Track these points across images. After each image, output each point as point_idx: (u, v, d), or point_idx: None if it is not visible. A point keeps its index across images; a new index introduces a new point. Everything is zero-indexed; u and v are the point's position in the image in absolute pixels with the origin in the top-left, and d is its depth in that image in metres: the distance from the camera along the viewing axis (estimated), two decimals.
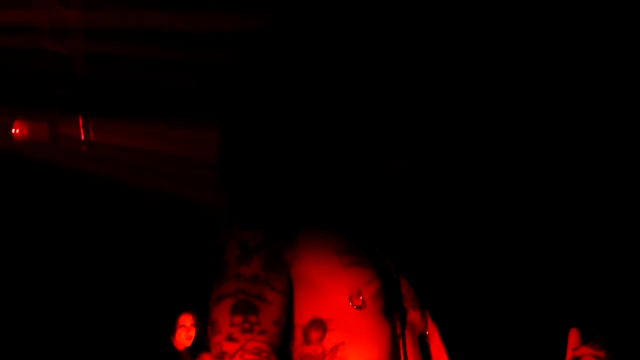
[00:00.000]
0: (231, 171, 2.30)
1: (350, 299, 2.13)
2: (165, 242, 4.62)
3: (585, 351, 2.30)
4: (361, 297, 2.13)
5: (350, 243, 2.22)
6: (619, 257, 4.02)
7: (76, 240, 4.32)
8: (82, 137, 4.65)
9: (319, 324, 2.12)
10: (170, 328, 6.41)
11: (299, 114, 2.29)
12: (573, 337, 2.36)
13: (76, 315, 4.52)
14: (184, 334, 6.50)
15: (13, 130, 5.00)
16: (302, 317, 2.13)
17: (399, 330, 2.22)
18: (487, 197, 4.38)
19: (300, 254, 2.12)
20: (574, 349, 2.33)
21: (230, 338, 2.01)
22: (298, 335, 2.13)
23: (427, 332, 2.42)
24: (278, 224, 2.14)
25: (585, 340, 2.34)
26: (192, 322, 6.49)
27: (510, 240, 4.37)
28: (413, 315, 2.33)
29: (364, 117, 2.38)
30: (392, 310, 2.22)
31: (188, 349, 6.62)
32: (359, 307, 2.13)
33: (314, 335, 2.12)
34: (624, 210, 4.10)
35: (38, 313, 4.37)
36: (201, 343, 6.52)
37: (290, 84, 2.30)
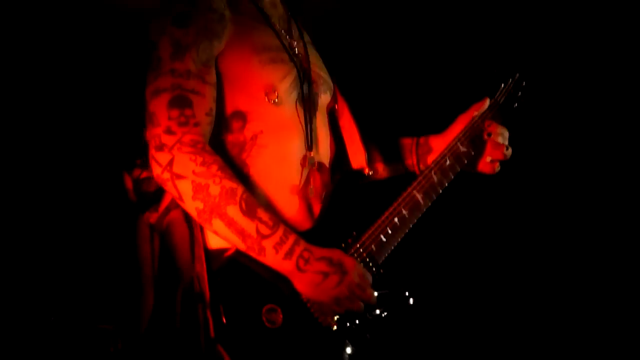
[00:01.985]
0: None
1: (266, 95, 2.42)
2: None
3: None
4: (276, 93, 2.43)
5: (270, 39, 2.50)
6: None
7: None
8: None
9: (240, 115, 2.42)
10: None
11: None
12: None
13: None
14: None
15: None
16: (225, 109, 2.42)
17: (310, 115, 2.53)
18: None
19: (226, 50, 2.39)
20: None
21: (169, 131, 2.25)
22: (223, 125, 2.41)
23: (337, 107, 2.72)
24: (208, 20, 2.36)
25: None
26: None
27: None
28: (323, 98, 2.65)
29: None
30: (305, 98, 2.53)
31: None
32: (275, 102, 2.43)
33: (236, 125, 2.42)
34: None
35: None
36: None
37: None
